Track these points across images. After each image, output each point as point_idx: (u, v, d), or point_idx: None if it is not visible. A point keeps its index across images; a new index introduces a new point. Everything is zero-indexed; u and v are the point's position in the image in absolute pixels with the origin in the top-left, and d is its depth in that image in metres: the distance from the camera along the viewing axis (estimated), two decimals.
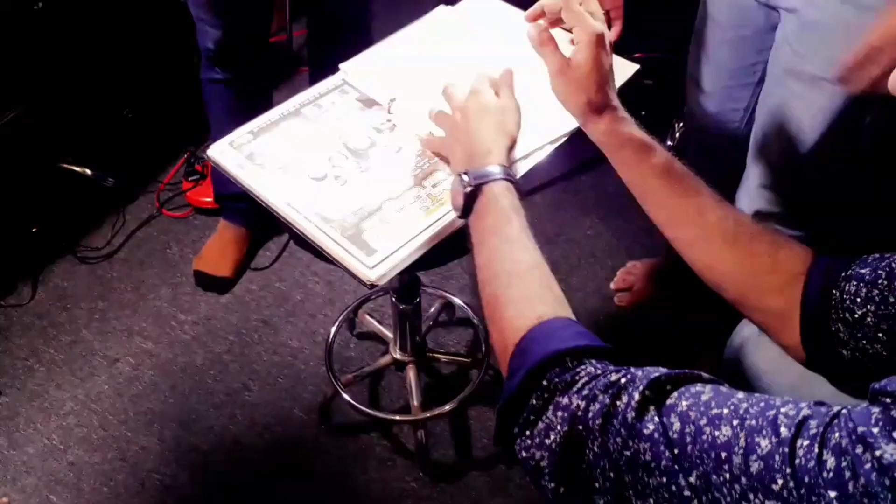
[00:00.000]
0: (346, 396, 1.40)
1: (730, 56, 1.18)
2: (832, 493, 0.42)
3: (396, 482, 1.39)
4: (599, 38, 0.77)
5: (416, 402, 1.36)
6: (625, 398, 0.52)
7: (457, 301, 1.58)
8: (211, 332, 1.63)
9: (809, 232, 1.17)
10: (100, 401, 1.51)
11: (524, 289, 0.65)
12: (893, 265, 0.68)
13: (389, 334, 1.44)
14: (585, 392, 0.54)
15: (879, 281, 0.68)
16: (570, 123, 0.96)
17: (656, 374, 0.53)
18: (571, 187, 1.91)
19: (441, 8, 1.14)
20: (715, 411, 0.50)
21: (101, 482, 1.39)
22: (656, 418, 0.51)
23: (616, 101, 0.81)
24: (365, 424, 1.46)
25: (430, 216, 0.86)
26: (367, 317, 1.54)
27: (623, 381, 0.54)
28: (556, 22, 0.85)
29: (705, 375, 0.54)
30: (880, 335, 0.68)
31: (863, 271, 0.69)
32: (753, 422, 0.48)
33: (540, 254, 0.69)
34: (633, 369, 0.55)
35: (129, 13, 1.80)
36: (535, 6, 0.86)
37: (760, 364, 0.87)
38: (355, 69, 1.03)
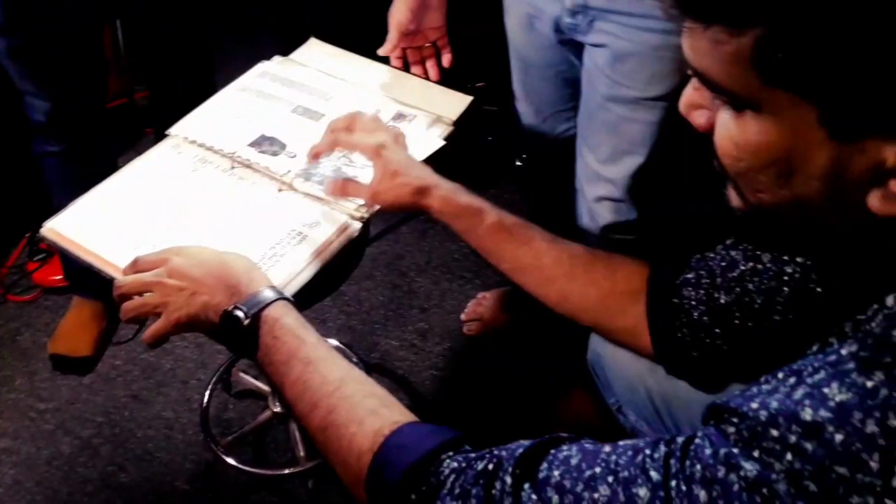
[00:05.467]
0: (228, 460, 1.36)
1: (553, 91, 1.28)
2: None
3: None
4: (377, 149, 0.85)
5: (301, 453, 1.34)
6: (498, 485, 0.53)
7: (333, 342, 1.57)
8: (76, 416, 1.53)
9: (650, 234, 1.26)
10: None
11: (348, 408, 0.63)
12: (711, 264, 0.75)
13: (267, 388, 1.41)
14: (457, 490, 0.54)
15: (703, 281, 0.75)
16: (431, 146, 1.00)
17: (520, 450, 0.54)
18: None
19: (275, 58, 1.16)
20: (588, 473, 0.51)
21: None
22: (533, 496, 0.51)
23: (434, 179, 0.86)
24: (253, 483, 1.42)
25: (291, 262, 0.86)
26: (242, 374, 1.50)
27: (490, 466, 0.54)
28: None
29: (565, 435, 0.55)
30: (717, 331, 0.74)
31: (690, 276, 0.76)
32: (626, 473, 0.49)
33: (342, 358, 0.68)
34: (495, 451, 0.56)
35: None
36: (311, 151, 0.91)
37: (615, 359, 0.93)
38: (186, 131, 1.02)
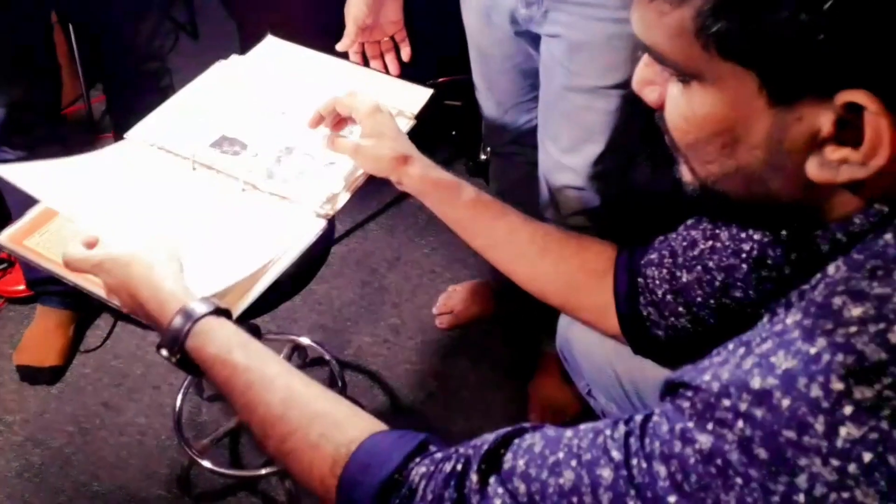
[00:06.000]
0: (204, 463, 1.35)
1: (512, 83, 1.29)
2: (672, 499, 0.45)
3: None
4: (373, 110, 0.88)
5: None
6: (468, 483, 0.53)
7: (305, 341, 1.57)
8: (46, 427, 1.51)
9: (614, 221, 1.28)
10: None
11: (299, 437, 0.61)
12: (673, 244, 0.77)
13: None
14: (430, 497, 0.54)
15: (665, 260, 0.77)
16: None
17: (486, 446, 0.55)
18: (402, 210, 1.97)
19: (232, 57, 1.15)
20: (552, 459, 0.51)
21: None
22: (500, 489, 0.52)
23: (416, 152, 0.88)
24: (231, 486, 1.41)
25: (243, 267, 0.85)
26: None
27: (459, 466, 0.54)
28: (340, 123, 0.94)
29: (527, 425, 0.56)
30: (681, 309, 0.76)
31: (653, 256, 0.78)
32: (589, 455, 0.50)
33: (279, 374, 0.65)
34: (460, 449, 0.56)
35: None
36: (314, 115, 0.93)
37: (583, 344, 0.94)
38: (145, 134, 1.01)
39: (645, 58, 0.55)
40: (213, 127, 1.01)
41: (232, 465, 1.45)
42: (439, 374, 1.62)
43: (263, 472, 1.41)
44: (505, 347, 1.66)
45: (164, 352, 0.69)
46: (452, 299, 1.72)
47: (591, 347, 0.93)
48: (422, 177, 0.86)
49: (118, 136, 1.67)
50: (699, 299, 0.75)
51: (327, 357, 1.56)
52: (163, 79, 1.62)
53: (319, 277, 1.59)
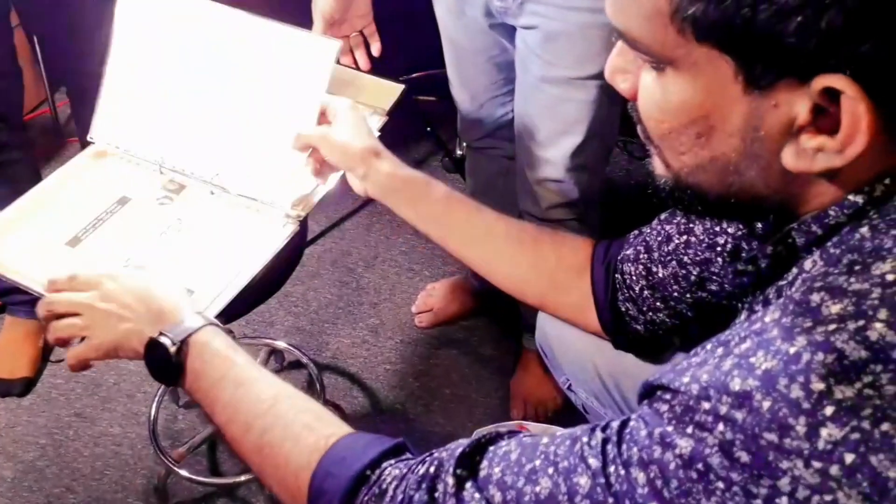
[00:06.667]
0: (181, 472, 1.33)
1: (487, 77, 1.27)
2: None
3: None
4: (351, 104, 0.87)
5: None
6: (441, 486, 0.52)
7: (281, 345, 1.55)
8: (17, 440, 1.47)
9: (593, 212, 1.28)
10: None
11: (282, 426, 0.62)
12: (648, 239, 0.76)
13: None
14: (399, 497, 0.53)
15: (641, 256, 0.76)
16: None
17: (460, 450, 0.54)
18: (379, 209, 1.94)
19: None
20: (528, 467, 0.50)
21: None
22: (476, 495, 0.51)
23: (387, 152, 0.85)
24: (210, 494, 1.39)
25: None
26: None
27: (432, 469, 0.53)
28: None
29: (503, 430, 0.56)
30: (658, 304, 0.76)
31: (629, 252, 0.78)
32: (566, 462, 0.49)
33: (274, 377, 0.67)
34: (434, 453, 0.55)
35: None
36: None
37: (563, 338, 0.94)
38: (110, 135, 0.98)
39: (618, 46, 0.53)
40: (181, 124, 0.99)
41: (210, 472, 1.42)
42: (420, 374, 1.60)
43: (242, 478, 1.38)
44: (485, 344, 1.65)
45: (166, 339, 0.68)
46: (432, 297, 1.71)
47: (571, 342, 0.92)
48: (391, 173, 0.83)
49: (84, 142, 1.65)
50: (676, 294, 0.75)
51: (305, 360, 1.54)
52: None
53: (295, 279, 1.58)
